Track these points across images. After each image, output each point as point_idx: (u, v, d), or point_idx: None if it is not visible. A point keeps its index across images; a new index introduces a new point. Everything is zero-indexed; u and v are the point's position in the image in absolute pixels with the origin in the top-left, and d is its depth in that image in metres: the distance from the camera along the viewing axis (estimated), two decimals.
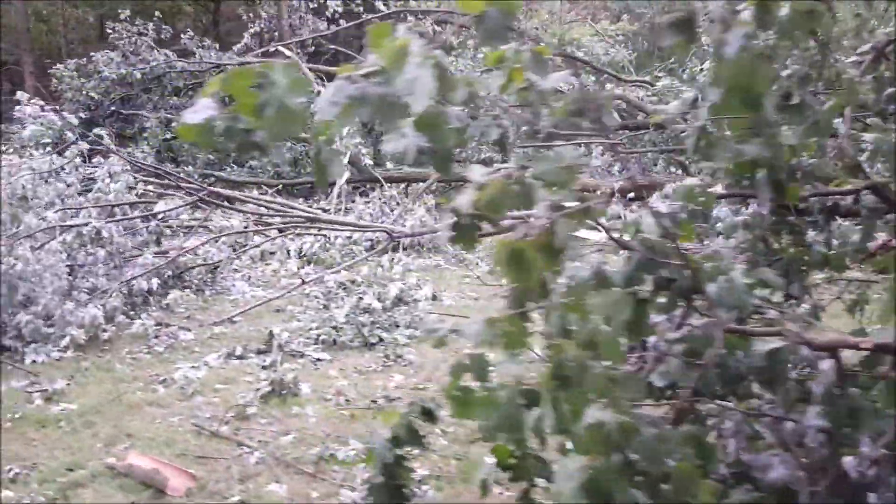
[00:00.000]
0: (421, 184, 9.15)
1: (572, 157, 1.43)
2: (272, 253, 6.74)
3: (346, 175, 8.55)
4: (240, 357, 4.30)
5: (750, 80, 1.39)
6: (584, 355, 1.32)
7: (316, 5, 13.74)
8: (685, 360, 1.60)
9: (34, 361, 4.15)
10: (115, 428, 3.39)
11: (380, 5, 13.44)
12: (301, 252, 6.47)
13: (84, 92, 9.65)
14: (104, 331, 4.52)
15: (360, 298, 5.02)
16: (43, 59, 19.68)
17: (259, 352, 4.38)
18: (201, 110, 1.28)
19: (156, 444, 3.24)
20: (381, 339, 4.53)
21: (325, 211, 7.76)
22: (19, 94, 5.93)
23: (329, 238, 6.58)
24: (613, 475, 1.24)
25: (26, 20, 18.20)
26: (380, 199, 8.51)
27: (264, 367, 4.15)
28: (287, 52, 10.78)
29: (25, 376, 3.96)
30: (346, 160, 8.56)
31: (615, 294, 1.45)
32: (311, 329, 4.76)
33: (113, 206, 5.23)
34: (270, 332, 4.43)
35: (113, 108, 9.80)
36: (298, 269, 6.38)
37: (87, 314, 4.27)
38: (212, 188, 5.87)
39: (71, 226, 4.64)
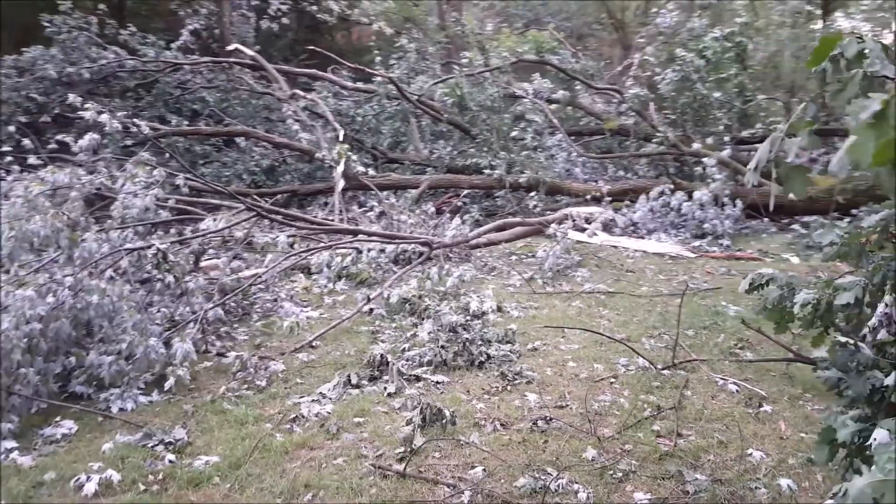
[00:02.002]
0: (412, 190, 8.94)
1: None
2: (293, 269, 6.31)
3: (342, 184, 8.20)
4: (356, 386, 3.98)
5: None
6: None
7: (258, 2, 13.07)
8: None
9: (122, 409, 3.63)
10: (284, 478, 3.03)
11: (331, 4, 13.00)
12: (331, 266, 6.09)
13: (23, 93, 8.57)
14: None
15: (439, 314, 4.82)
16: None
17: (371, 378, 4.08)
18: None
19: (344, 492, 2.93)
20: (489, 357, 4.36)
21: (329, 221, 7.38)
22: (71, 98, 5.14)
23: (361, 251, 6.25)
24: None
25: None
26: (378, 206, 8.22)
27: (390, 395, 3.87)
28: (248, 52, 10.16)
29: (124, 427, 3.45)
30: (341, 168, 8.21)
31: None
32: (404, 350, 4.50)
33: (155, 224, 4.67)
34: (382, 356, 4.13)
35: (57, 112, 8.76)
36: (332, 284, 6.02)
37: (180, 349, 3.78)
38: (258, 204, 5.38)
39: (134, 249, 4.08)
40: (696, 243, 7.98)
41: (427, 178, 8.97)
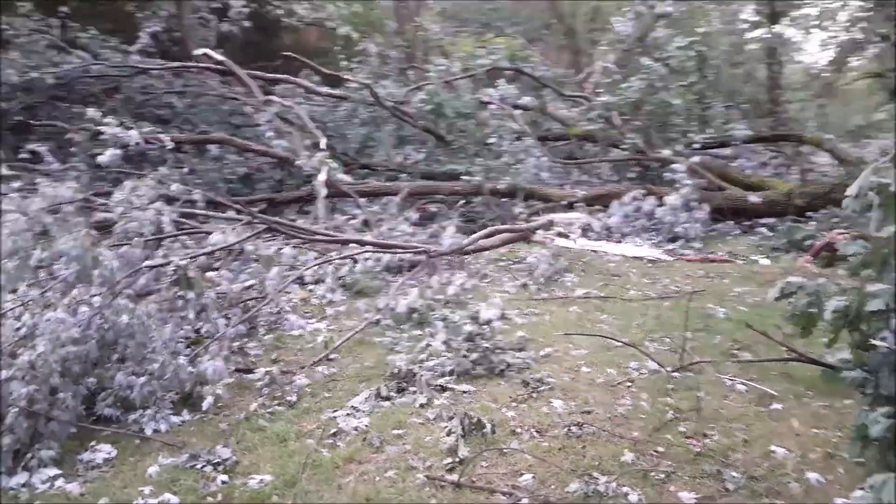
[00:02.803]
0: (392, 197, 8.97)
1: None
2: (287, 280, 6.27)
3: (325, 192, 8.16)
4: (386, 398, 4.03)
5: None
6: None
7: (220, 5, 12.85)
8: None
9: (156, 430, 3.58)
10: (342, 493, 3.07)
11: (296, 7, 12.89)
12: (333, 277, 6.09)
13: None
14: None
15: (455, 324, 4.91)
16: None
17: (399, 390, 4.14)
18: None
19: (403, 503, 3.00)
20: (508, 365, 4.47)
21: (328, 231, 7.35)
22: (90, 112, 4.93)
23: (357, 261, 6.27)
24: None
25: None
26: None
27: (422, 406, 3.94)
28: (218, 57, 9.99)
29: (163, 449, 3.42)
30: (323, 176, 8.17)
31: None
32: (423, 360, 4.57)
33: (160, 238, 4.60)
34: (411, 369, 4.20)
35: (20, 119, 8.41)
36: (332, 294, 6.03)
37: (212, 367, 3.75)
38: (263, 215, 5.33)
39: (154, 266, 4.01)
40: (670, 246, 8.31)
41: (408, 185, 9.02)
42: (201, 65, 9.92)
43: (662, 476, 3.26)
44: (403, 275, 6.60)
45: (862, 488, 2.84)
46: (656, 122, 10.66)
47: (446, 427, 3.64)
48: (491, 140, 9.61)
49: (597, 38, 23.40)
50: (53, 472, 3.14)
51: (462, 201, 9.25)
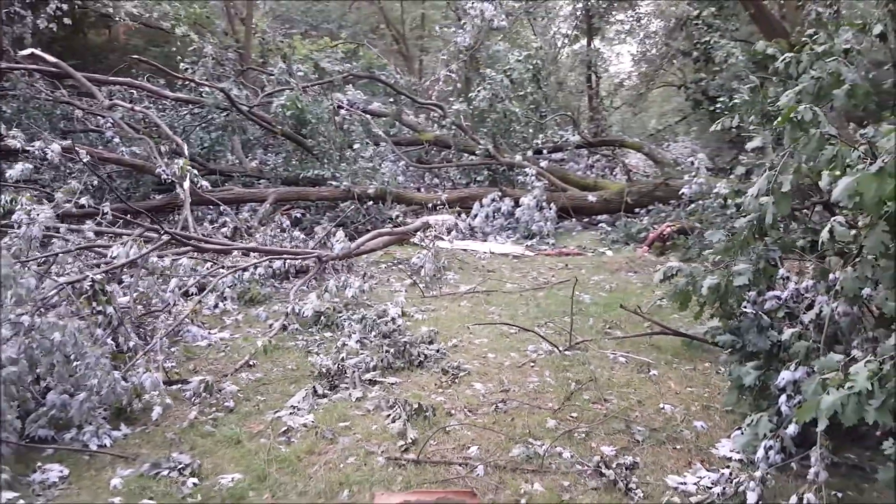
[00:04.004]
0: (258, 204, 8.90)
1: None
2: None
3: (189, 200, 7.94)
4: (322, 396, 4.22)
5: None
6: None
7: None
8: None
9: (101, 446, 3.50)
10: (313, 480, 3.27)
11: (125, 5, 12.15)
12: (231, 287, 6.04)
13: None
14: None
15: (375, 322, 5.19)
16: None
17: (332, 387, 4.35)
18: None
19: (376, 483, 3.27)
20: (426, 357, 4.84)
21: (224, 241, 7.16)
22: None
23: (247, 269, 6.26)
24: None
25: None
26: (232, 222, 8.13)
27: (359, 400, 4.19)
28: (49, 59, 9.24)
29: (115, 462, 3.36)
30: (187, 184, 7.95)
31: None
32: (343, 359, 4.79)
33: (56, 254, 4.37)
34: (339, 366, 4.41)
35: None
36: (226, 304, 5.98)
37: (149, 380, 3.71)
38: (165, 228, 5.12)
39: (71, 282, 3.82)
40: (529, 243, 9.16)
41: (274, 192, 8.99)
42: (31, 66, 9.06)
43: (583, 435, 3.84)
44: (291, 281, 6.73)
45: (739, 428, 3.63)
46: (501, 128, 11.56)
47: (389, 415, 3.95)
48: (356, 145, 9.86)
49: (425, 45, 24.31)
50: (11, 495, 3.00)
51: (330, 206, 9.41)
